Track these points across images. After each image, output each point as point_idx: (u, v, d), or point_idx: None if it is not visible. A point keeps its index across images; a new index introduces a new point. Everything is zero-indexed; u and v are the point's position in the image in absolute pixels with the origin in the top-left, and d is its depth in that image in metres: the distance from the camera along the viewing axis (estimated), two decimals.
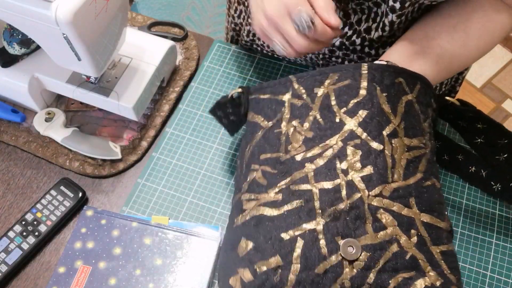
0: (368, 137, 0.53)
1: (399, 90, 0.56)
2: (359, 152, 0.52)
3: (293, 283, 0.48)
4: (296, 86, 0.58)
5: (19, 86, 0.75)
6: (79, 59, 0.65)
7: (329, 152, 0.53)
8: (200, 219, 0.71)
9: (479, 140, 0.64)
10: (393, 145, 0.53)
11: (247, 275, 0.50)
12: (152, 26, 0.89)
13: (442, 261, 0.50)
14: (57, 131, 0.76)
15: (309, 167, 0.52)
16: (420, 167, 0.54)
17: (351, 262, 0.48)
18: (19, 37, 0.73)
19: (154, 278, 0.65)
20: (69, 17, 0.58)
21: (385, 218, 0.50)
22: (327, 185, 0.51)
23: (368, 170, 0.51)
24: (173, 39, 0.86)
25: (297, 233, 0.50)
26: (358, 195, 0.50)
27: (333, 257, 0.48)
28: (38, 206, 0.70)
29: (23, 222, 0.69)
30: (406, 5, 0.60)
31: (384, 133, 0.53)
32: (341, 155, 0.52)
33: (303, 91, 0.57)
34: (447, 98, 0.64)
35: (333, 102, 0.55)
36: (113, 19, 0.67)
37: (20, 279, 0.67)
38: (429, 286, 0.48)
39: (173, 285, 0.65)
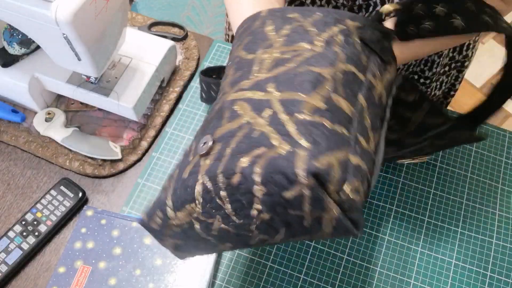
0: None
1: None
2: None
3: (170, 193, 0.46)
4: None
5: (19, 86, 0.74)
6: (79, 59, 0.65)
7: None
8: None
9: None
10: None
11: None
12: (152, 26, 0.89)
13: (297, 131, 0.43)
14: (57, 131, 0.76)
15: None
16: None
17: (205, 155, 0.44)
18: (19, 37, 0.73)
19: (154, 278, 0.65)
20: (69, 17, 0.58)
21: (240, 106, 0.46)
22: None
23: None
24: (173, 39, 0.86)
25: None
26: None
27: (191, 157, 0.46)
28: (38, 206, 0.70)
29: (23, 222, 0.69)
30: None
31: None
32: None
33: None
34: None
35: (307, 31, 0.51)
36: (113, 19, 0.67)
37: (20, 279, 0.67)
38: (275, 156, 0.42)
39: (173, 285, 0.65)
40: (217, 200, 0.43)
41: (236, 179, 0.41)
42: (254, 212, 0.43)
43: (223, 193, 0.42)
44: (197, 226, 0.46)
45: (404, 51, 0.58)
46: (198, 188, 0.43)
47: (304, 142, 0.41)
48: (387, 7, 0.52)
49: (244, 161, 0.41)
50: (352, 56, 0.47)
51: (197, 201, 0.44)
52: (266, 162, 0.41)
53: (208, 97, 0.74)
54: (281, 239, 0.47)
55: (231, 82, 0.49)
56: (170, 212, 0.46)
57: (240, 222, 0.44)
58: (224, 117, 0.46)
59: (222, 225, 0.45)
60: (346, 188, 0.41)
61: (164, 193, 0.48)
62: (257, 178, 0.41)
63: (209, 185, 0.43)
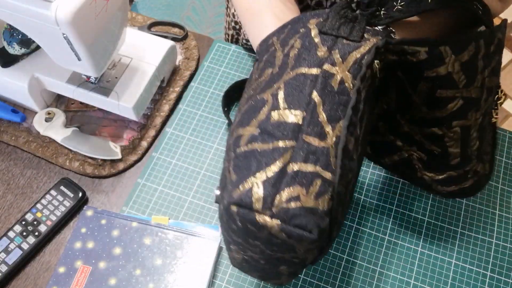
0: None
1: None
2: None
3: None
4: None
5: (19, 86, 0.74)
6: (79, 59, 0.65)
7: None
8: (200, 219, 0.71)
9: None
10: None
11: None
12: (152, 26, 0.89)
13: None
14: (57, 131, 0.76)
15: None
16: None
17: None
18: (19, 37, 0.73)
19: (154, 278, 0.65)
20: (69, 17, 0.58)
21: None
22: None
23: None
24: (173, 39, 0.86)
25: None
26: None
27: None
28: (38, 206, 0.70)
29: (23, 222, 0.69)
30: None
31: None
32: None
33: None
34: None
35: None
36: (113, 19, 0.67)
37: (20, 279, 0.67)
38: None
39: (173, 285, 0.65)
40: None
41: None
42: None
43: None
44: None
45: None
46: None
47: (233, 176, 0.44)
48: None
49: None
50: (304, 56, 0.48)
51: None
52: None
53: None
54: (290, 272, 0.52)
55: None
56: None
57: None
58: None
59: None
60: (278, 200, 0.42)
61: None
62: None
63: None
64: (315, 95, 0.46)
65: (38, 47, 0.76)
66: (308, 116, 0.45)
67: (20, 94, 0.76)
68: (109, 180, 0.75)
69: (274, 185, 0.42)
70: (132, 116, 0.76)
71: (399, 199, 0.73)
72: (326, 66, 0.47)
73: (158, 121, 0.79)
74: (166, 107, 0.80)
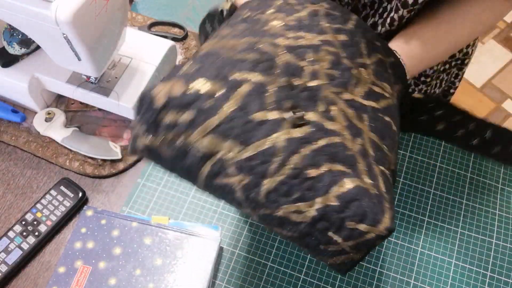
0: (343, 54, 0.51)
1: (377, 50, 0.55)
2: (330, 58, 0.50)
3: (223, 117, 0.44)
4: None
5: (19, 86, 0.74)
6: (79, 59, 0.65)
7: (303, 41, 0.50)
8: (200, 219, 0.71)
9: (440, 127, 0.63)
10: (361, 72, 0.52)
11: (177, 88, 0.46)
12: (152, 26, 0.89)
13: (380, 178, 0.47)
14: (57, 131, 0.76)
15: (281, 41, 0.50)
16: (380, 103, 0.52)
17: (292, 126, 0.45)
18: (19, 37, 0.73)
19: (154, 278, 0.65)
20: (69, 17, 0.58)
21: (336, 114, 0.47)
22: (292, 59, 0.49)
23: (334, 72, 0.49)
24: (173, 39, 0.86)
25: (247, 76, 0.46)
26: (318, 82, 0.48)
27: (275, 113, 0.45)
28: (38, 206, 0.70)
29: (23, 222, 0.69)
30: (420, 0, 0.60)
31: (357, 60, 0.52)
32: (314, 48, 0.50)
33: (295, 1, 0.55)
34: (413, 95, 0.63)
35: (322, 17, 0.54)
36: (113, 19, 0.67)
37: (20, 279, 0.67)
38: (362, 186, 0.45)
39: (173, 285, 0.65)
40: None
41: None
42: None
43: None
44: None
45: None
46: None
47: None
48: None
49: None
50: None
51: None
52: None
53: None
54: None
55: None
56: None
57: None
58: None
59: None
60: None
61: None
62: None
63: None
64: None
65: (38, 47, 0.76)
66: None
67: (20, 94, 0.76)
68: (109, 180, 0.75)
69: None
70: (132, 116, 0.75)
71: (399, 199, 0.73)
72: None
73: None
74: None
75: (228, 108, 0.44)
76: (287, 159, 0.44)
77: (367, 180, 0.46)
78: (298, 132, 0.45)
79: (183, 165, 0.45)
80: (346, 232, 0.44)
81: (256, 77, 0.47)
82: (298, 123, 0.45)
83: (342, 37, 0.53)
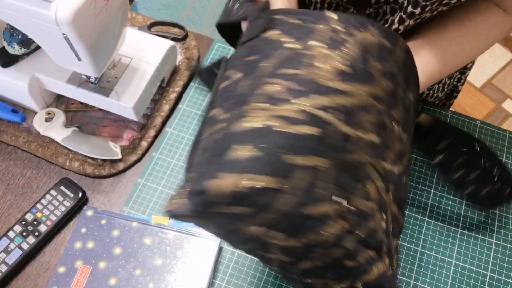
0: (385, 109, 0.49)
1: (410, 88, 0.54)
2: (376, 120, 0.48)
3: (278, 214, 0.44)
4: (334, 22, 0.50)
5: (19, 86, 0.75)
6: (79, 59, 0.65)
7: (354, 100, 0.48)
8: None
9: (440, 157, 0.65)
10: (394, 128, 0.50)
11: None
12: (152, 26, 0.89)
13: (395, 256, 0.51)
14: (57, 131, 0.76)
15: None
16: (403, 161, 0.52)
17: (338, 216, 0.44)
18: (19, 37, 0.73)
19: (154, 278, 0.65)
20: (69, 17, 0.58)
21: (372, 191, 0.47)
22: (344, 128, 0.46)
23: (375, 139, 0.47)
24: (173, 39, 0.86)
25: (301, 163, 0.43)
26: (360, 156, 0.46)
27: (323, 206, 0.43)
28: (38, 206, 0.70)
29: (23, 222, 0.69)
30: (427, 9, 0.60)
31: (393, 112, 0.50)
32: (362, 108, 0.48)
33: (342, 29, 0.50)
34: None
35: (372, 56, 0.49)
36: (113, 19, 0.67)
37: (20, 279, 0.67)
38: (384, 272, 0.47)
39: (173, 285, 0.65)
40: None
41: None
42: None
43: None
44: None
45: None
46: None
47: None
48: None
49: None
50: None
51: None
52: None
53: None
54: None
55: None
56: None
57: None
58: None
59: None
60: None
61: None
62: None
63: None
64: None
65: (38, 47, 0.76)
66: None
67: (20, 94, 0.76)
68: (109, 180, 0.75)
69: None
70: (132, 116, 0.76)
71: None
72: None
73: (158, 121, 0.79)
74: (166, 107, 0.80)
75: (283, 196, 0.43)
76: (328, 251, 0.46)
77: (386, 261, 0.48)
78: (340, 225, 0.44)
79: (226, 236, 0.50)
80: None
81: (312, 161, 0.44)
82: (343, 214, 0.44)
83: (386, 84, 0.49)
